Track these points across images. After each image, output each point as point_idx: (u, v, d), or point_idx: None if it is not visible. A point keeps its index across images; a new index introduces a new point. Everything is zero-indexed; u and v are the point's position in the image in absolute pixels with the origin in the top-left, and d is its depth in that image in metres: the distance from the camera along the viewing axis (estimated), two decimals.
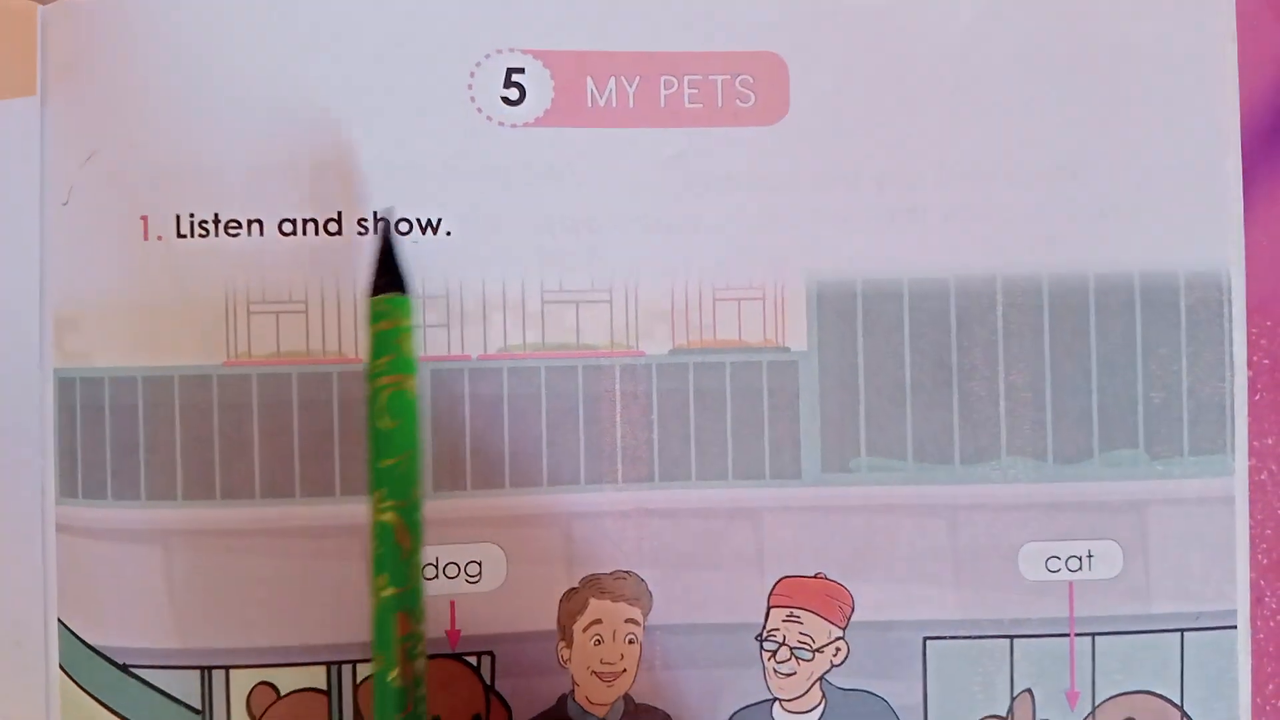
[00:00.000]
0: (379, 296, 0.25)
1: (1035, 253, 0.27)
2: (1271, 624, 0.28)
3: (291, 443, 0.26)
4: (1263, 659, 0.28)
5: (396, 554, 0.24)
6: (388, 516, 0.24)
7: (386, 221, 0.26)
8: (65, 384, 0.26)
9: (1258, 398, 0.28)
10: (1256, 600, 0.28)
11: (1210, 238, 0.28)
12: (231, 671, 0.26)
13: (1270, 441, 0.28)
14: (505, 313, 0.27)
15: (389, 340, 0.25)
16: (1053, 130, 0.27)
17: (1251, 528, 0.28)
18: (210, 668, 0.26)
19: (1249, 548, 0.28)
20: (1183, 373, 0.28)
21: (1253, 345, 0.28)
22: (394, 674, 0.24)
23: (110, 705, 0.26)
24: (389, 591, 0.24)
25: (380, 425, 0.24)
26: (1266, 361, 0.28)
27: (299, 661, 0.26)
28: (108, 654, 0.26)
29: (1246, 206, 0.28)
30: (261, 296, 0.26)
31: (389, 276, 0.25)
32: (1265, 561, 0.28)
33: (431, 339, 0.27)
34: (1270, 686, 0.28)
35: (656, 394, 0.27)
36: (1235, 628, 0.28)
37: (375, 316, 0.25)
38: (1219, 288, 0.28)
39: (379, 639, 0.24)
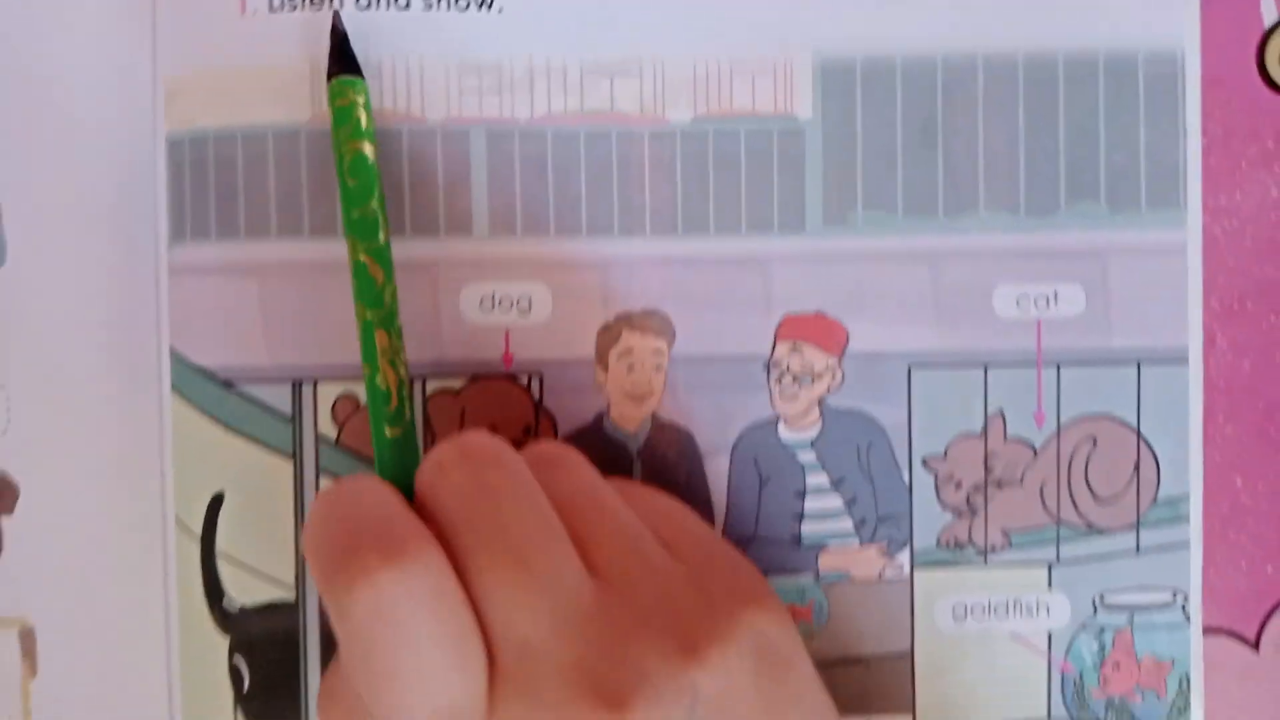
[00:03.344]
0: (335, 79, 0.29)
1: (1012, 30, 0.31)
2: (1222, 362, 0.32)
3: None
4: (1214, 393, 0.32)
5: (371, 286, 0.28)
6: (361, 258, 0.28)
7: (336, 15, 0.30)
8: (175, 145, 0.31)
9: (1212, 162, 0.32)
10: (1209, 342, 0.32)
11: (1166, 19, 0.31)
12: (319, 384, 0.31)
13: (1223, 201, 0.32)
14: (549, 82, 0.31)
15: (347, 114, 0.29)
16: None
17: (1205, 278, 0.32)
18: (299, 381, 0.31)
19: (1202, 295, 0.32)
20: (1140, 138, 0.31)
21: (1207, 115, 0.32)
22: (379, 378, 0.28)
23: (215, 415, 0.31)
24: (369, 315, 0.28)
25: (347, 184, 0.29)
26: (1220, 130, 0.32)
27: None
28: (213, 372, 0.31)
29: None
30: None
31: (343, 63, 0.30)
32: (1217, 307, 0.32)
33: (487, 104, 0.31)
34: (1220, 416, 0.32)
35: (680, 157, 0.31)
36: (1187, 362, 0.32)
37: (333, 95, 0.29)
38: (1173, 63, 0.31)
39: (365, 352, 0.28)
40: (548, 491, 0.26)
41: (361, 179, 0.29)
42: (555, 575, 0.25)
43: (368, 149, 0.29)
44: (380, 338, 0.28)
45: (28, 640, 0.32)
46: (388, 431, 0.28)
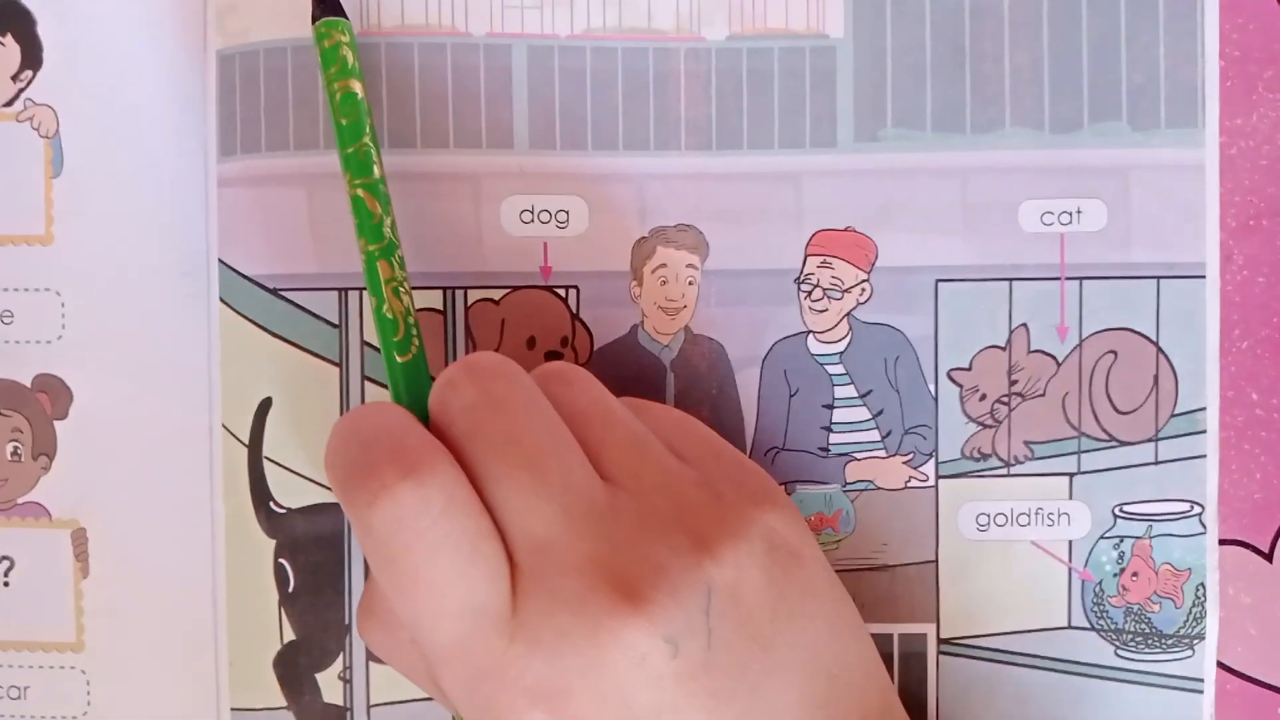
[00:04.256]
0: (319, 21, 0.30)
1: None
2: (1239, 278, 0.33)
3: (413, 102, 0.32)
4: (1230, 308, 0.33)
5: (370, 219, 0.29)
6: (358, 192, 0.29)
7: None
8: (226, 60, 0.32)
9: (1229, 84, 0.33)
10: (1225, 258, 0.33)
11: None
12: (364, 293, 0.32)
13: (1239, 122, 0.33)
14: None
15: (333, 55, 0.30)
16: None
17: (1222, 195, 0.33)
18: (346, 289, 0.32)
19: (1219, 212, 0.33)
20: (1160, 59, 0.32)
21: (1225, 39, 0.33)
22: (386, 307, 0.29)
23: (262, 324, 0.32)
24: (371, 248, 0.29)
25: (340, 122, 0.30)
26: (1237, 54, 0.33)
27: (419, 285, 0.32)
28: (261, 281, 0.32)
29: None
30: None
31: (326, 5, 0.30)
32: (1234, 224, 0.33)
33: (528, 18, 0.32)
34: (1236, 331, 0.33)
35: (715, 74, 0.32)
36: (1204, 277, 0.33)
37: (319, 38, 0.30)
38: None
39: (371, 284, 0.29)
40: (556, 406, 0.27)
41: (352, 117, 0.30)
42: (567, 478, 0.26)
43: (356, 87, 0.30)
44: (383, 268, 0.29)
45: (80, 541, 0.33)
46: (398, 358, 0.29)
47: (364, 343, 0.32)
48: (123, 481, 0.33)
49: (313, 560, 0.32)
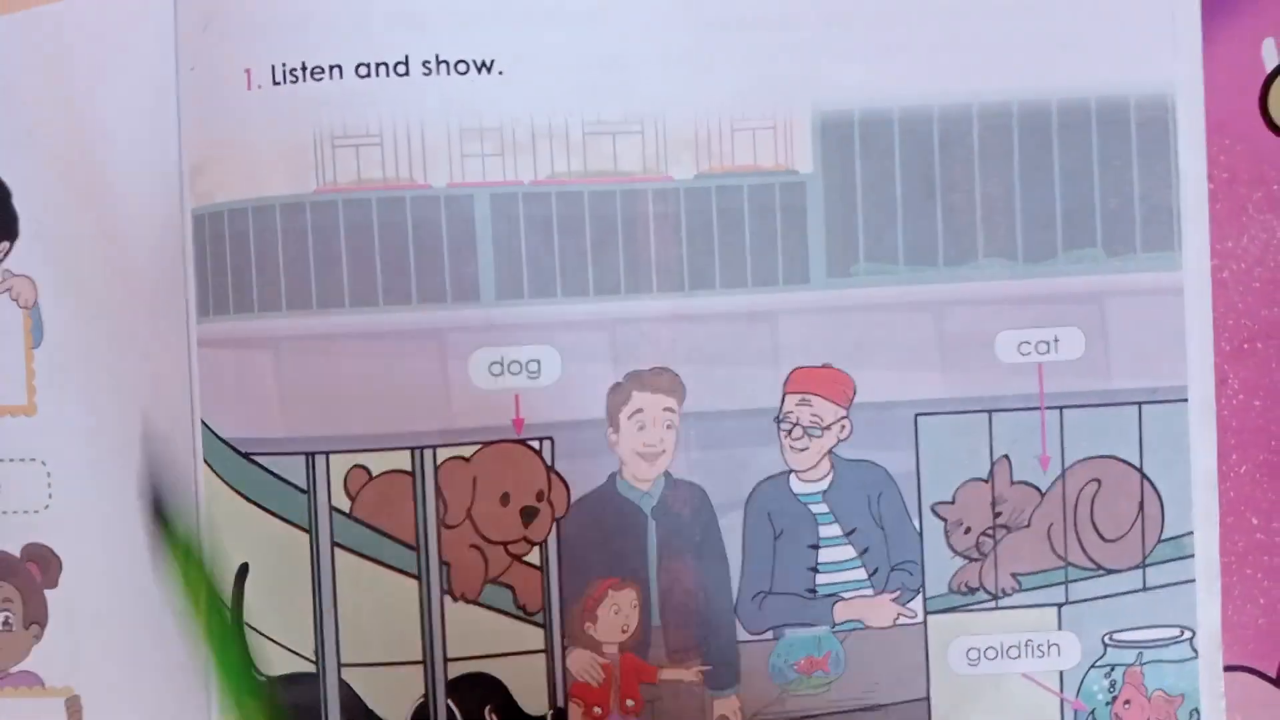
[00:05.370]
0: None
1: (1006, 81, 0.31)
2: (1234, 402, 0.32)
3: (374, 259, 0.31)
4: (1226, 433, 0.32)
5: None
6: None
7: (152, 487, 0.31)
8: (199, 220, 0.31)
9: (1218, 206, 0.32)
10: (1220, 382, 0.32)
11: (1158, 65, 0.32)
12: (331, 456, 0.31)
13: (1230, 244, 0.32)
14: (552, 143, 0.31)
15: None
16: None
17: (1215, 319, 0.32)
18: (313, 453, 0.31)
19: (1212, 337, 0.32)
20: (1134, 182, 0.32)
21: (1213, 161, 0.32)
22: None
23: (236, 488, 0.31)
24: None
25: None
26: (1225, 175, 0.32)
27: (387, 447, 0.31)
28: (234, 444, 0.31)
29: (1207, 38, 0.32)
30: (344, 132, 0.31)
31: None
32: (1228, 349, 0.32)
33: (490, 166, 0.31)
34: (1234, 456, 0.32)
35: (684, 214, 0.32)
36: (1186, 400, 0.32)
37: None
38: (1165, 108, 0.32)
39: None
40: None
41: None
42: None
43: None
44: None
45: (74, 709, 0.32)
46: None
47: (333, 508, 0.31)
48: (115, 647, 0.32)
49: None
